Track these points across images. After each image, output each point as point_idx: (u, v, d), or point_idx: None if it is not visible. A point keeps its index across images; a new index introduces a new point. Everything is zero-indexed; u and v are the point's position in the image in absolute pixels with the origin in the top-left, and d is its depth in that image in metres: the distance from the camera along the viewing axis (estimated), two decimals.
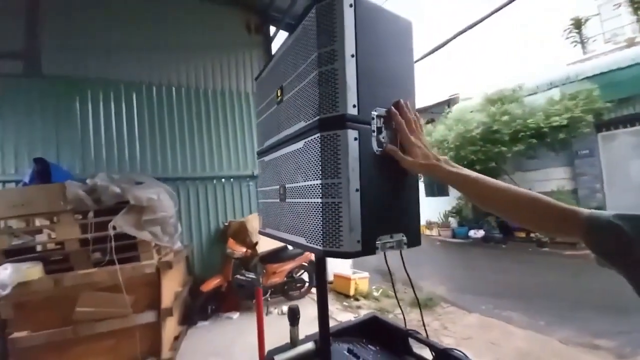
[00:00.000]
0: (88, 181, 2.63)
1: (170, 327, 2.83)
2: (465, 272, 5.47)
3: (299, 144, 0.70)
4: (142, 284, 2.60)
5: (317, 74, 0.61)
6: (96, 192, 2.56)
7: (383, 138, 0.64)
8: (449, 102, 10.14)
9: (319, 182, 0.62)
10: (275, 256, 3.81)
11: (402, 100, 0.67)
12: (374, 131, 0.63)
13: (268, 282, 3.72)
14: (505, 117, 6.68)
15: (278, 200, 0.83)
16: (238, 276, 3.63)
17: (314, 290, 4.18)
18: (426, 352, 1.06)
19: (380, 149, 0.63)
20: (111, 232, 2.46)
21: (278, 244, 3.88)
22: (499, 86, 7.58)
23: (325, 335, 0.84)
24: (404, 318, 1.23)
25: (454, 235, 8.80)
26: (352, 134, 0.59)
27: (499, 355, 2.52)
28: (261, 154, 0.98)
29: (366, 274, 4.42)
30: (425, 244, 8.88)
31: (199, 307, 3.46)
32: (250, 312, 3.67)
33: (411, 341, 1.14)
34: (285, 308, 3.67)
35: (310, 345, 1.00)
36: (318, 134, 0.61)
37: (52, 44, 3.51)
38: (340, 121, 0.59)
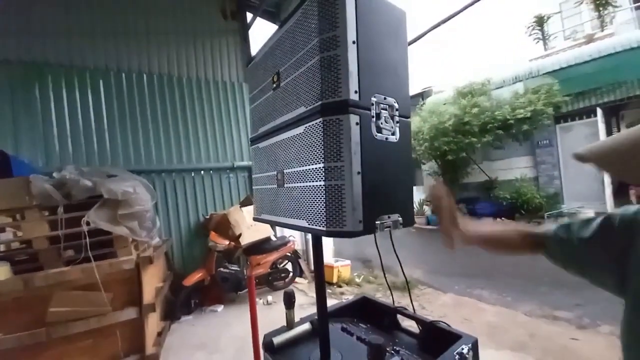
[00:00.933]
0: (55, 175, 2.45)
1: (153, 322, 2.76)
2: (439, 256, 5.79)
3: (299, 129, 0.72)
4: (121, 280, 2.50)
5: (318, 59, 0.63)
6: (65, 187, 2.39)
7: (382, 124, 0.68)
8: (423, 95, 10.46)
9: (321, 165, 0.64)
10: (259, 248, 3.80)
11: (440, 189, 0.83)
12: (373, 117, 0.66)
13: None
14: (475, 110, 7.04)
15: (275, 186, 0.85)
16: (222, 269, 3.60)
17: (298, 279, 4.24)
18: (414, 327, 1.15)
19: (379, 134, 0.67)
20: (84, 228, 2.33)
21: (261, 236, 3.87)
22: (469, 80, 7.94)
23: (323, 314, 0.88)
24: (392, 297, 1.31)
25: (428, 223, 9.21)
26: (353, 118, 0.62)
27: (472, 329, 2.73)
28: (255, 140, 0.98)
29: (348, 262, 4.55)
30: (401, 231, 9.21)
31: (182, 302, 3.39)
32: (234, 305, 3.66)
33: (399, 317, 1.22)
34: (270, 298, 3.71)
35: (307, 326, 1.04)
36: (320, 119, 0.64)
37: (5, 25, 3.17)
38: (343, 106, 0.61)
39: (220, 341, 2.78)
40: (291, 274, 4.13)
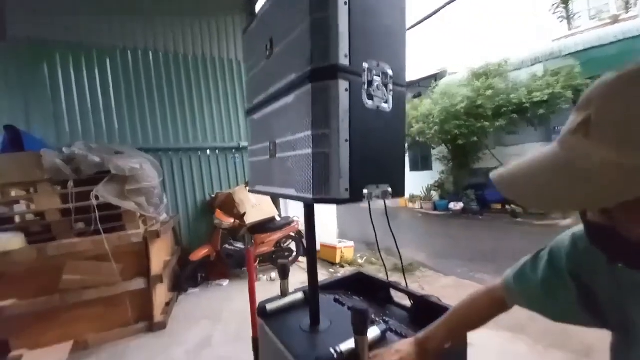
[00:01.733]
0: (65, 150, 2.52)
1: (161, 293, 2.89)
2: (444, 241, 5.80)
3: (290, 98, 0.70)
4: (130, 253, 2.61)
5: (309, 22, 0.61)
6: (74, 162, 2.46)
7: (373, 91, 0.65)
8: (437, 76, 10.10)
9: (309, 133, 0.63)
10: (263, 227, 3.88)
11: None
12: (364, 83, 0.64)
13: (257, 252, 3.81)
14: (490, 92, 6.78)
15: (268, 157, 0.85)
16: (227, 246, 3.70)
17: (301, 259, 4.33)
18: (406, 302, 1.17)
19: (370, 102, 0.65)
20: (94, 202, 2.41)
21: (266, 215, 3.94)
22: (485, 60, 7.59)
23: (314, 281, 0.90)
24: (386, 272, 1.32)
25: (434, 208, 9.17)
26: (343, 84, 0.60)
27: None
28: (250, 112, 0.97)
29: (351, 243, 4.60)
30: (407, 216, 9.27)
31: (189, 275, 3.53)
32: (239, 280, 3.79)
33: (392, 292, 1.24)
34: (273, 275, 3.82)
35: (299, 295, 1.07)
36: (309, 85, 0.62)
37: (13, 3, 3.16)
38: (331, 71, 0.59)
39: (223, 313, 2.91)
40: (294, 253, 4.22)
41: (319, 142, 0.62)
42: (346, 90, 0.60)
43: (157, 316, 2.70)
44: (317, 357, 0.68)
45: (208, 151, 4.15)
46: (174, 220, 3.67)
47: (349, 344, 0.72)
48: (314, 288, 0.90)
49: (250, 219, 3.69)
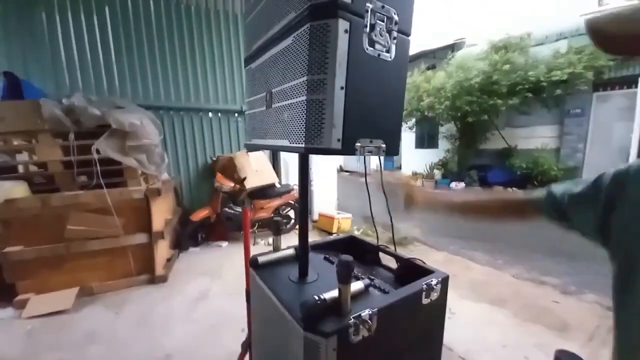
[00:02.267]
0: (64, 101, 2.48)
1: (163, 248, 3.01)
2: (441, 218, 5.86)
3: (288, 40, 0.66)
4: (131, 208, 2.67)
5: None
6: (74, 113, 2.44)
7: (375, 36, 0.61)
8: (454, 47, 9.57)
9: (304, 78, 0.60)
10: (263, 193, 3.92)
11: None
12: (366, 26, 0.60)
13: (255, 217, 3.89)
14: (507, 67, 6.44)
15: (264, 108, 0.82)
16: (226, 209, 3.78)
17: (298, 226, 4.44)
18: (394, 265, 1.20)
19: (370, 48, 0.61)
20: (95, 156, 2.42)
21: (266, 181, 3.96)
22: (507, 33, 7.12)
23: (304, 236, 0.92)
24: (377, 237, 1.35)
25: (436, 187, 9.16)
26: (343, 24, 0.56)
27: (457, 283, 2.87)
28: (248, 60, 0.92)
29: (349, 215, 4.68)
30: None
31: (189, 234, 3.64)
32: (237, 242, 3.91)
33: (382, 256, 1.27)
34: (271, 240, 3.92)
35: (290, 251, 1.10)
36: (308, 25, 0.58)
37: None
38: (331, 8, 0.55)
39: (221, 270, 3.04)
40: (293, 220, 4.31)
41: (314, 88, 0.59)
42: (346, 31, 0.56)
43: (159, 270, 2.83)
44: (302, 303, 0.71)
45: (210, 113, 4.08)
46: (175, 181, 3.71)
47: (332, 293, 0.75)
48: (304, 240, 0.92)
49: (250, 184, 3.72)
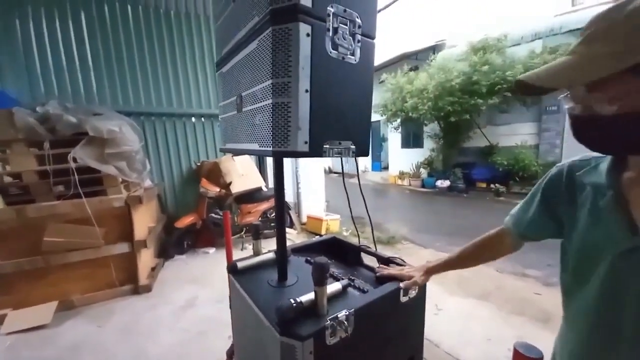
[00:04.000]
0: (38, 109, 2.39)
1: (146, 258, 2.93)
2: (427, 217, 5.96)
3: (253, 44, 0.66)
4: (112, 217, 2.60)
5: None
6: (49, 121, 2.36)
7: (338, 39, 0.62)
8: (435, 49, 9.79)
9: (269, 82, 0.61)
10: (250, 197, 3.89)
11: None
12: (329, 30, 0.60)
13: (243, 221, 3.85)
14: (486, 67, 6.65)
15: (235, 112, 0.82)
16: (212, 214, 3.72)
17: (287, 230, 4.41)
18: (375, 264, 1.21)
19: (334, 51, 0.62)
20: (72, 165, 2.35)
21: (252, 185, 3.93)
22: (485, 34, 7.35)
23: (282, 240, 0.92)
24: (359, 238, 1.36)
25: (422, 185, 9.32)
26: (304, 28, 0.57)
27: (443, 278, 2.91)
28: (220, 64, 0.92)
29: (337, 216, 4.70)
30: (395, 192, 9.41)
31: (175, 242, 3.57)
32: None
33: (363, 256, 1.28)
34: None
35: (270, 255, 1.09)
36: (270, 29, 0.58)
37: None
38: (292, 12, 0.56)
39: (208, 278, 2.99)
40: None
41: (279, 91, 0.59)
42: (308, 35, 0.57)
43: (143, 279, 2.76)
44: (277, 307, 0.71)
45: (193, 118, 4.02)
46: (158, 188, 3.64)
47: (309, 296, 0.75)
48: (282, 244, 0.91)
49: (236, 189, 3.69)
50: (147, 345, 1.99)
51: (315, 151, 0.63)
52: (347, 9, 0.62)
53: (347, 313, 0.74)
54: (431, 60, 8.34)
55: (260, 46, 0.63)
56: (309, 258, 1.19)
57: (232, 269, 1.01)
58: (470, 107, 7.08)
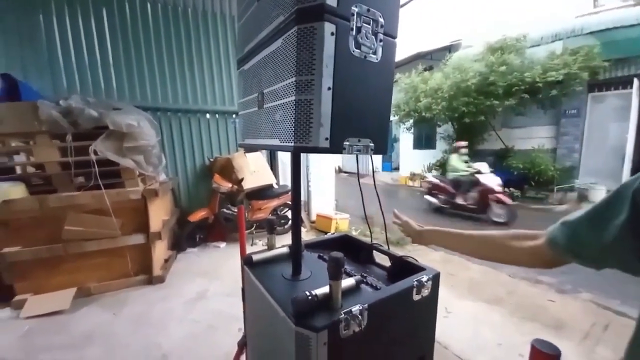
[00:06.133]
0: (61, 103, 2.49)
1: (160, 249, 3.01)
2: (438, 220, 5.88)
3: (278, 43, 0.68)
4: (129, 209, 2.68)
5: None
6: (71, 115, 2.45)
7: (361, 38, 0.63)
8: (451, 48, 9.63)
9: (293, 79, 0.62)
10: (261, 193, 3.94)
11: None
12: (352, 29, 0.62)
13: (253, 217, 3.91)
14: (503, 68, 6.48)
15: (256, 108, 0.84)
16: (224, 210, 3.79)
17: None
18: (387, 263, 1.22)
19: (357, 50, 0.63)
20: (92, 157, 2.43)
21: (264, 182, 3.98)
22: (503, 34, 7.18)
23: (297, 234, 0.93)
24: (371, 236, 1.37)
25: None
26: (329, 27, 0.58)
27: (454, 282, 2.89)
28: (241, 62, 0.94)
29: (347, 215, 4.69)
30: (405, 193, 9.32)
31: (187, 235, 3.65)
32: (235, 243, 3.92)
33: (375, 254, 1.29)
34: None
35: (284, 250, 1.11)
36: (295, 28, 0.60)
37: None
38: (318, 12, 0.57)
39: (219, 271, 3.05)
40: (290, 221, 4.32)
41: (303, 88, 0.61)
42: (332, 34, 0.58)
43: (156, 270, 2.84)
44: (293, 299, 0.73)
45: (207, 114, 4.10)
46: (173, 182, 3.73)
47: (324, 289, 0.77)
48: (297, 238, 0.93)
49: (248, 185, 3.74)
50: (159, 336, 2.05)
51: (335, 148, 0.64)
52: (370, 9, 0.63)
53: (361, 308, 0.75)
54: (447, 60, 8.20)
55: (284, 44, 0.65)
56: (321, 254, 1.21)
57: (247, 261, 1.03)
58: (485, 108, 6.93)
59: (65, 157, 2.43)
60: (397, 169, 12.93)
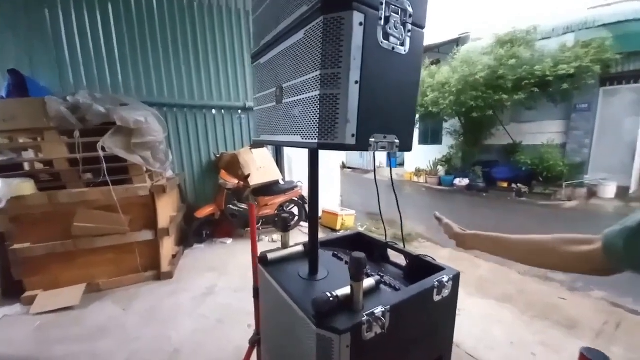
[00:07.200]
0: (69, 99, 2.48)
1: (168, 245, 3.02)
2: (445, 216, 5.84)
3: (299, 35, 0.65)
4: (137, 205, 2.68)
5: None
6: (79, 111, 2.44)
7: (390, 29, 0.60)
8: (459, 41, 9.46)
9: (317, 73, 0.59)
10: (267, 190, 3.92)
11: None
12: (381, 19, 0.58)
13: (260, 213, 3.90)
14: (513, 61, 6.35)
15: (274, 104, 0.81)
16: (231, 206, 3.79)
17: (302, 223, 4.44)
18: (402, 262, 1.19)
19: (385, 41, 0.60)
20: (101, 153, 2.43)
21: (270, 179, 3.96)
22: (513, 27, 7.02)
23: (314, 233, 0.91)
24: (385, 234, 1.34)
25: (440, 183, 9.12)
26: (357, 17, 0.55)
27: (463, 280, 2.85)
28: (256, 56, 0.91)
29: (353, 212, 4.67)
30: (410, 189, 9.26)
31: (194, 231, 3.66)
32: (242, 239, 3.92)
33: (390, 253, 1.26)
34: (275, 236, 3.94)
35: (299, 248, 1.09)
36: (321, 18, 0.57)
37: None
38: (346, 0, 0.54)
39: (227, 267, 3.05)
40: (297, 217, 4.31)
41: (328, 82, 0.58)
42: (360, 24, 0.55)
43: (165, 266, 2.85)
44: (314, 300, 0.71)
45: (213, 110, 4.07)
46: (179, 178, 3.72)
47: (344, 290, 0.75)
48: (314, 237, 0.91)
49: (254, 181, 3.72)
50: (169, 330, 2.06)
51: (361, 145, 0.61)
52: None
53: (384, 309, 0.73)
54: (455, 53, 8.05)
55: (307, 36, 0.62)
56: (336, 252, 1.19)
57: (263, 260, 1.02)
58: (494, 102, 6.81)
59: (73, 153, 2.42)
60: (402, 164, 12.84)
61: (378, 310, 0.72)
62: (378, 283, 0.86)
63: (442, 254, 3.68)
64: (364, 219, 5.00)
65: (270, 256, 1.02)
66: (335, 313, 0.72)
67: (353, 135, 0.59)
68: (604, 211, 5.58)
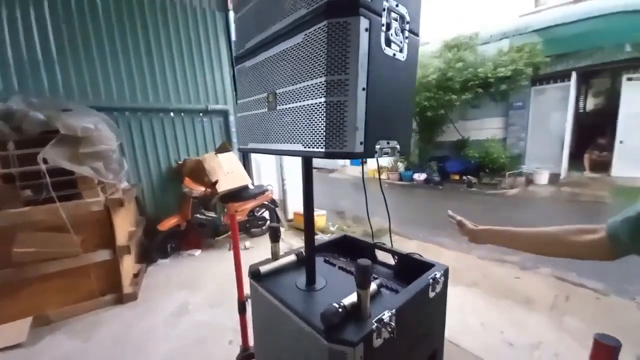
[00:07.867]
0: (0, 106, 2.13)
1: (128, 264, 2.74)
2: (408, 209, 6.16)
3: (297, 39, 0.62)
4: (90, 222, 2.40)
5: None
6: (13, 119, 2.10)
7: (391, 35, 0.60)
8: None
9: (322, 79, 0.57)
10: (237, 195, 3.76)
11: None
12: (383, 25, 0.58)
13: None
14: (460, 64, 6.92)
15: (265, 110, 0.77)
16: (198, 215, 3.56)
17: None
18: (389, 261, 1.22)
19: (387, 48, 0.60)
20: (42, 167, 2.12)
21: (239, 183, 3.80)
22: (457, 32, 7.65)
23: (311, 242, 0.89)
24: (372, 234, 1.36)
25: (400, 179, 9.59)
26: (364, 23, 0.54)
27: None
28: (240, 59, 0.86)
29: (323, 212, 4.69)
30: (374, 186, 9.57)
31: (158, 246, 3.37)
32: (212, 249, 3.72)
33: (377, 252, 1.29)
34: (248, 243, 3.79)
35: (292, 257, 1.06)
36: (325, 22, 0.55)
37: None
38: (353, 5, 0.52)
39: (200, 280, 2.87)
40: (268, 221, 4.21)
41: (334, 89, 0.56)
42: (366, 30, 0.54)
43: (127, 287, 2.58)
44: (322, 313, 0.69)
45: (172, 113, 3.79)
46: (137, 189, 3.41)
47: (351, 299, 0.74)
48: (310, 247, 0.89)
49: (222, 187, 3.54)
50: (142, 358, 1.87)
51: (368, 152, 0.61)
52: (398, 4, 0.60)
53: (390, 314, 0.74)
54: None
55: (308, 40, 0.60)
56: (326, 258, 1.17)
57: (255, 274, 0.96)
58: (445, 102, 7.36)
59: (7, 167, 2.08)
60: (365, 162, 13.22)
61: (386, 316, 0.72)
62: (379, 287, 0.87)
63: (410, 246, 3.87)
64: (334, 219, 5.05)
65: (262, 269, 0.97)
66: (343, 324, 0.70)
67: (361, 143, 0.58)
68: (540, 196, 6.34)
